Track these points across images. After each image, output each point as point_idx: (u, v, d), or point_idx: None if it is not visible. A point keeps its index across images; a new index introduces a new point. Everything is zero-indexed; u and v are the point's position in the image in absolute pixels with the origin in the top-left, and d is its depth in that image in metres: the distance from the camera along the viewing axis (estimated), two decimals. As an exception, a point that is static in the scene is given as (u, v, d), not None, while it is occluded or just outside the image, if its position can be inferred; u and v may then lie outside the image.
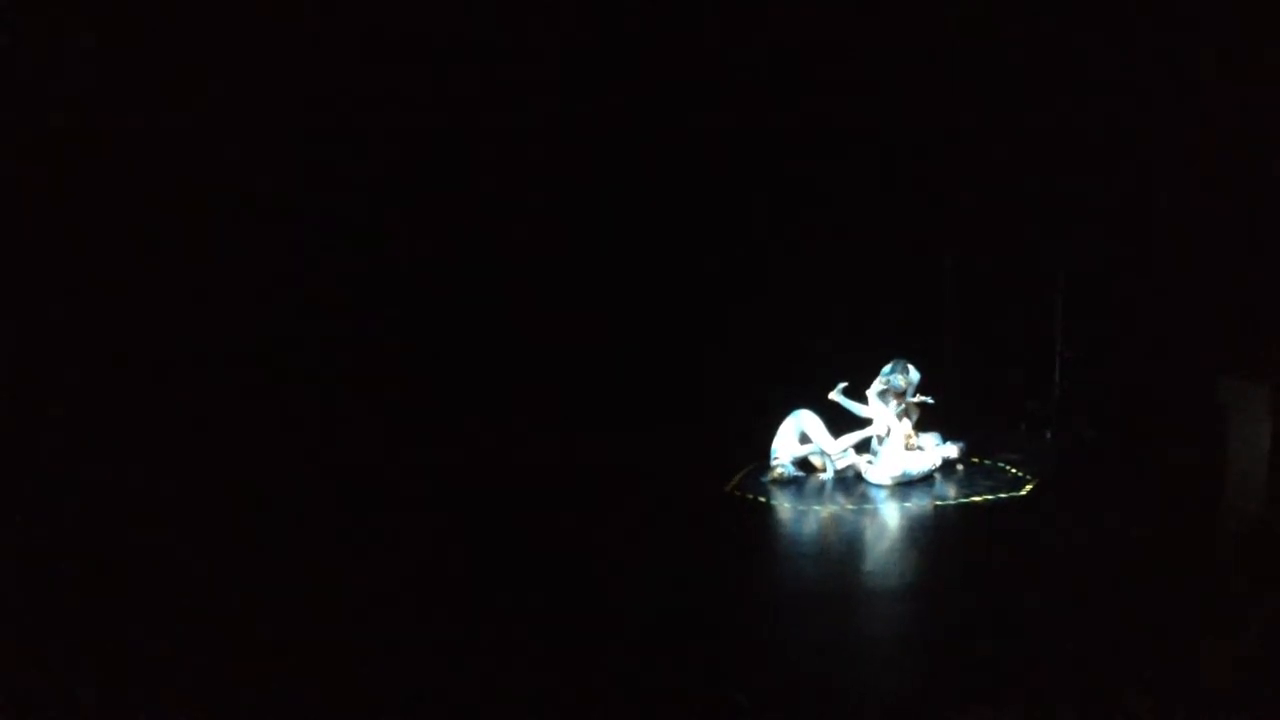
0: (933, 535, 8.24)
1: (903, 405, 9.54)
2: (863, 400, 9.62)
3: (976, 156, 10.24)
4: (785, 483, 9.28)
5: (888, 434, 9.43)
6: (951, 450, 9.58)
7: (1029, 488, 8.93)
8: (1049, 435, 10.38)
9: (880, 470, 9.25)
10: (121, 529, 7.17)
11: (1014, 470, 9.44)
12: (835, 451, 9.46)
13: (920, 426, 9.65)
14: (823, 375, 9.74)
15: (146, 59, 8.07)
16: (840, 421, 9.58)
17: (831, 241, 10.56)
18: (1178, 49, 9.00)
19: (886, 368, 9.54)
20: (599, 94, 9.73)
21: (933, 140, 10.24)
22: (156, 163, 8.17)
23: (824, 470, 9.52)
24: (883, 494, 9.02)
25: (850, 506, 8.79)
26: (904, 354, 9.69)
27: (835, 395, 9.65)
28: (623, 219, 10.13)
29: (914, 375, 9.56)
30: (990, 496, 8.75)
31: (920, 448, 9.47)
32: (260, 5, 8.35)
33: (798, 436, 9.50)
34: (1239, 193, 8.75)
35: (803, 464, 9.56)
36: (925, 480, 9.26)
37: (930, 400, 9.63)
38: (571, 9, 9.42)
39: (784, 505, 8.77)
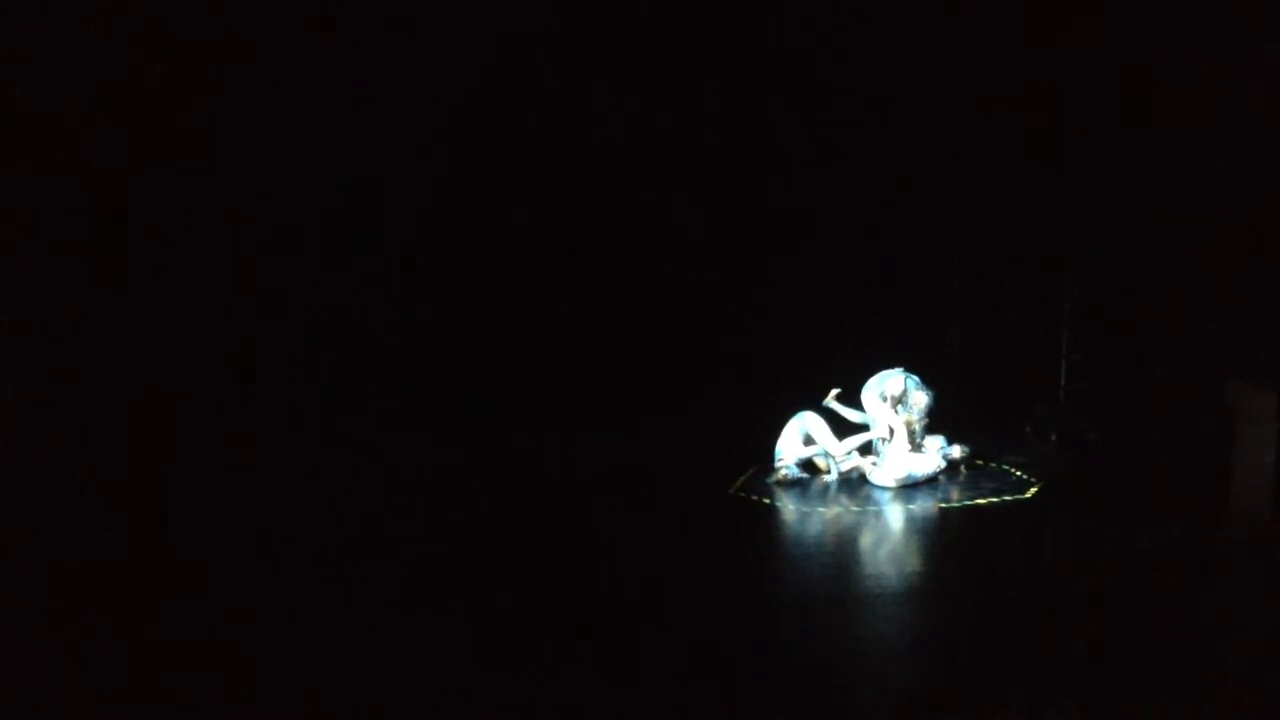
0: (937, 537, 8.22)
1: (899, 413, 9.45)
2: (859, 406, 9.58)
3: (983, 157, 10.22)
4: (789, 484, 9.26)
5: (891, 436, 9.39)
6: (956, 452, 9.54)
7: (1034, 490, 8.90)
8: (1054, 438, 10.33)
9: (885, 472, 9.22)
10: (119, 528, 7.21)
11: (1019, 473, 9.41)
12: (840, 453, 9.43)
13: (925, 429, 9.60)
14: (826, 377, 9.72)
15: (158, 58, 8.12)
16: (844, 424, 9.55)
17: (837, 242, 10.54)
18: (1182, 49, 8.99)
19: (896, 380, 9.43)
20: (601, 90, 9.73)
21: (938, 141, 10.22)
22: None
23: (828, 472, 9.49)
24: (887, 496, 8.99)
25: (855, 508, 8.76)
26: (909, 352, 9.65)
27: (829, 402, 9.61)
28: (626, 217, 10.12)
29: (925, 398, 9.46)
30: (995, 499, 8.73)
31: (923, 445, 9.42)
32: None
33: (802, 438, 9.47)
34: (1248, 194, 8.73)
35: (807, 465, 9.53)
36: (930, 482, 9.22)
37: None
38: (575, 5, 9.44)
39: (788, 507, 8.75)
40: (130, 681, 5.40)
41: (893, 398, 9.37)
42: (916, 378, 9.49)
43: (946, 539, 8.17)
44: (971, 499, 8.78)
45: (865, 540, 8.27)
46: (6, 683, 5.35)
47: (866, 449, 9.50)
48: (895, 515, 8.63)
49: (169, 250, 8.35)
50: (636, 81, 9.81)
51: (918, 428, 9.41)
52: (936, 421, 9.64)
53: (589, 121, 9.82)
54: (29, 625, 6.04)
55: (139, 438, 8.07)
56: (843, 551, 7.93)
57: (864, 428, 9.50)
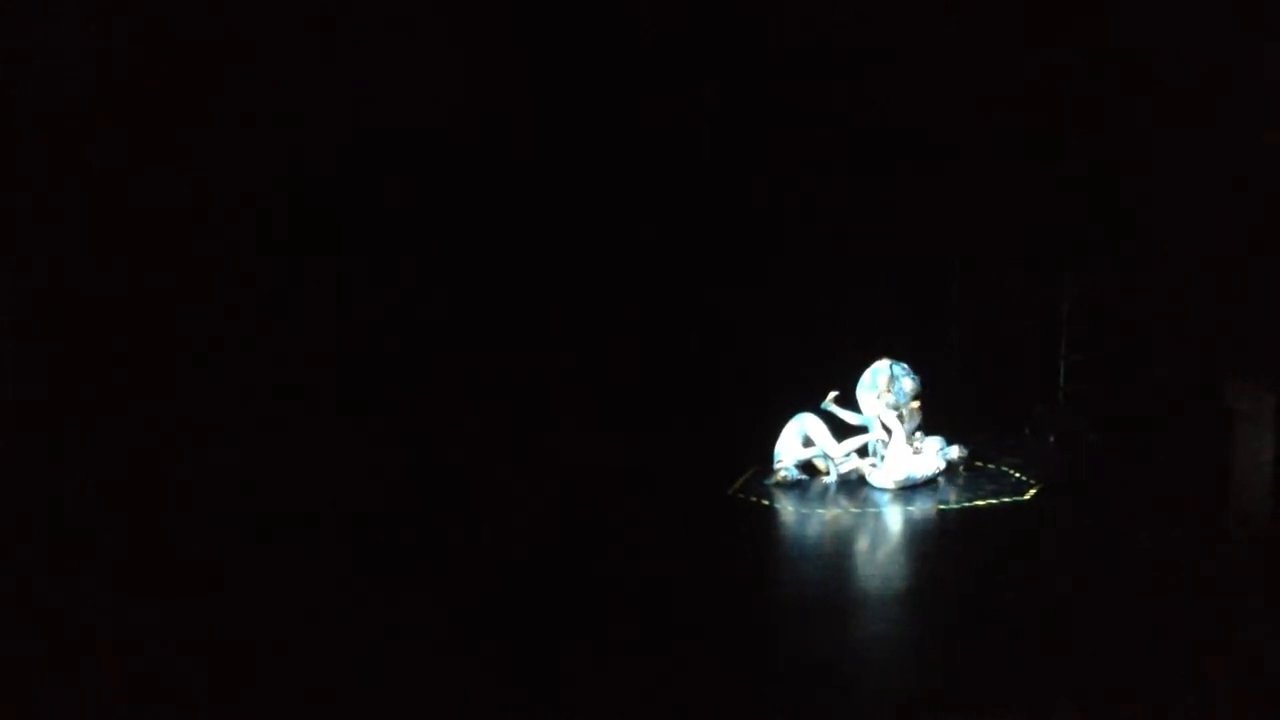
0: (936, 539, 8.21)
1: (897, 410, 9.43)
2: (856, 408, 9.57)
3: (982, 157, 10.22)
4: (788, 486, 9.25)
5: (890, 437, 9.38)
6: (954, 453, 9.53)
7: (1032, 492, 8.90)
8: (1054, 439, 10.33)
9: (884, 474, 9.21)
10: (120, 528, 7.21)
11: (1018, 474, 9.40)
12: (839, 455, 9.42)
13: (923, 429, 9.60)
14: (826, 377, 9.72)
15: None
16: (843, 426, 9.54)
17: (837, 242, 10.54)
18: (1181, 49, 8.99)
19: (883, 371, 9.42)
20: (603, 91, 9.73)
21: (937, 140, 10.22)
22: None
23: (827, 473, 9.49)
24: (886, 497, 8.98)
25: (854, 510, 8.76)
26: (909, 353, 9.64)
27: (827, 404, 9.59)
28: (626, 220, 10.11)
29: (911, 383, 9.46)
30: (994, 500, 8.72)
31: (920, 444, 9.42)
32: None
33: (801, 439, 9.46)
34: (1248, 194, 8.73)
35: (806, 467, 9.52)
36: (929, 484, 9.21)
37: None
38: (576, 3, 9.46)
39: (787, 508, 8.74)
40: (129, 682, 5.40)
41: (882, 387, 9.36)
42: (902, 364, 9.47)
43: (945, 540, 8.16)
44: (970, 500, 8.78)
45: (864, 542, 8.26)
46: (6, 684, 5.35)
47: (865, 450, 9.49)
48: (894, 517, 8.62)
49: (169, 249, 8.35)
50: (637, 81, 9.81)
51: (904, 412, 9.39)
52: (936, 422, 9.63)
53: (587, 121, 9.82)
54: (29, 626, 6.05)
55: (139, 437, 8.08)
56: (842, 553, 7.92)
57: (863, 430, 9.49)
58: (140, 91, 8.21)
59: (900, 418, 9.37)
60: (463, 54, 9.25)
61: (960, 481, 9.31)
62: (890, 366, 9.43)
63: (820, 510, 8.74)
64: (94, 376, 8.09)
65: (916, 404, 9.45)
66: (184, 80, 8.34)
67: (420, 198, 9.45)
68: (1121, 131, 9.68)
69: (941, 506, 8.68)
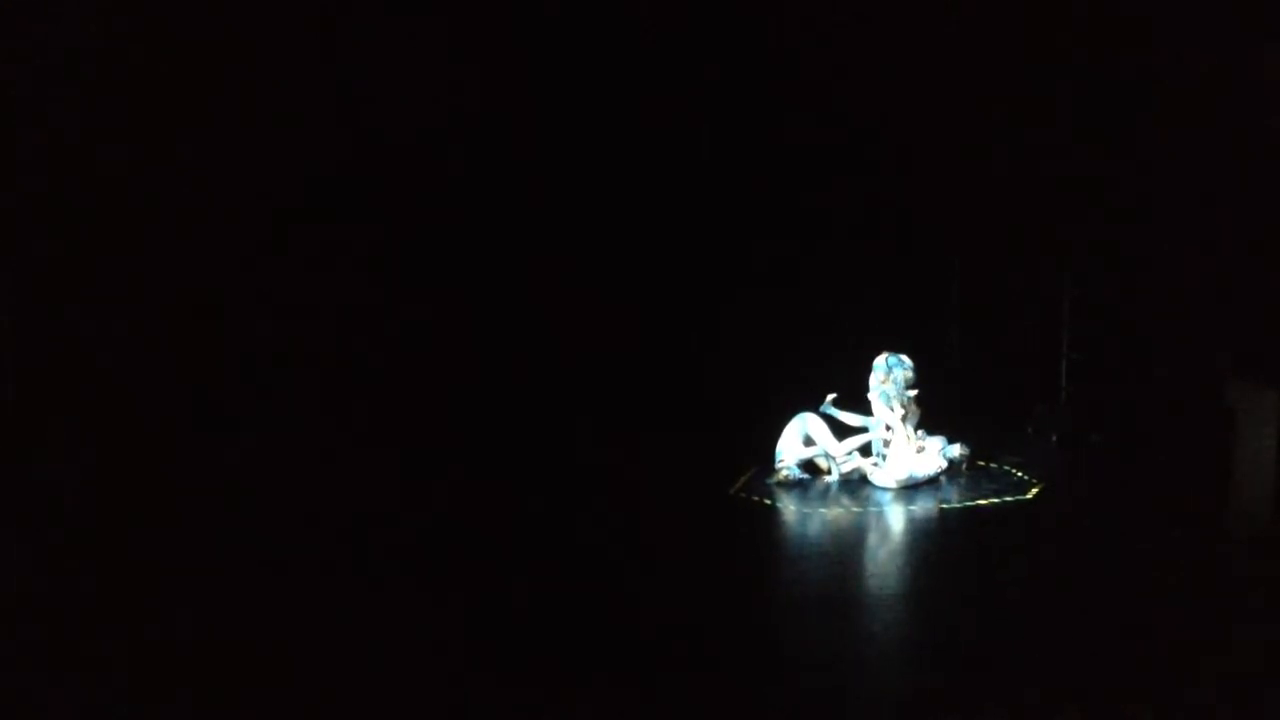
0: (937, 538, 8.21)
1: (904, 401, 9.42)
2: (855, 409, 9.56)
3: (983, 157, 10.22)
4: (790, 485, 9.25)
5: (890, 435, 9.38)
6: (956, 452, 9.52)
7: (1034, 491, 8.89)
8: (1055, 439, 10.33)
9: (885, 473, 9.21)
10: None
11: (1019, 474, 9.40)
12: (840, 454, 9.42)
13: (925, 429, 9.59)
14: (826, 377, 9.71)
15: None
16: (844, 427, 9.54)
17: (837, 242, 10.54)
18: (1181, 49, 9.00)
19: (881, 365, 9.43)
20: (604, 90, 9.74)
21: (939, 141, 10.23)
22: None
23: (829, 473, 9.49)
24: (888, 497, 8.98)
25: (855, 509, 8.75)
26: (908, 353, 9.64)
27: (827, 407, 9.59)
28: (626, 221, 10.12)
29: (905, 372, 9.46)
30: (995, 500, 8.72)
31: (923, 447, 9.42)
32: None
33: (803, 439, 9.46)
34: (1249, 194, 8.73)
35: (808, 466, 9.52)
36: (930, 483, 9.21)
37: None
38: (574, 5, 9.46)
39: (789, 508, 8.74)
40: (129, 682, 5.40)
41: (879, 380, 9.37)
42: (898, 355, 9.46)
43: (947, 540, 8.16)
44: (972, 500, 8.77)
45: (866, 541, 8.26)
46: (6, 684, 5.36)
47: (867, 450, 9.49)
48: (896, 516, 8.62)
49: (168, 249, 8.36)
50: (636, 81, 9.81)
51: (907, 408, 9.37)
52: (936, 422, 9.62)
53: (588, 121, 9.82)
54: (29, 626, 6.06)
55: (139, 437, 8.08)
56: (843, 552, 7.92)
57: (863, 430, 9.49)
58: (140, 91, 8.21)
59: (905, 418, 9.36)
60: (463, 54, 9.25)
61: (962, 481, 9.31)
62: (886, 358, 9.45)
63: (822, 509, 8.74)
64: (94, 377, 8.08)
65: (913, 393, 9.44)
66: (184, 80, 8.34)
67: (420, 198, 9.45)
68: (1121, 131, 9.68)
69: (943, 506, 8.67)
